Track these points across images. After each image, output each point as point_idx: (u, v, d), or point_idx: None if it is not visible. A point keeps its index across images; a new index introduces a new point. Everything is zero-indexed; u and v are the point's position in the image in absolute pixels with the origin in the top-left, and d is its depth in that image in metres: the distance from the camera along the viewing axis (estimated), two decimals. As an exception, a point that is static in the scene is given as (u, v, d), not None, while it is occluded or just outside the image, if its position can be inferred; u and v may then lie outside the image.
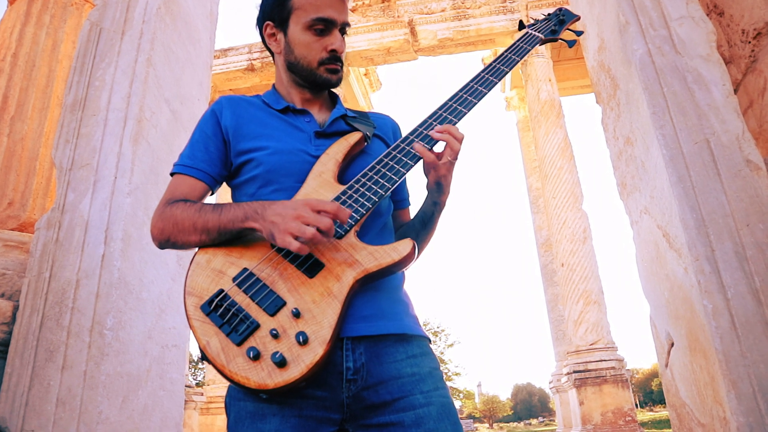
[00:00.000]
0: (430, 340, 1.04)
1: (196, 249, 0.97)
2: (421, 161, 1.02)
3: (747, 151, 1.62)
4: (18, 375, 1.94)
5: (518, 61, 1.16)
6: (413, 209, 1.22)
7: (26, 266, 2.22)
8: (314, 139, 1.08)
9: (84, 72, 2.42)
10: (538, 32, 1.25)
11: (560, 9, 1.32)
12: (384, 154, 1.02)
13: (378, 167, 0.99)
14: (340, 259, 0.90)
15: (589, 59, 2.43)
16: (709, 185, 1.61)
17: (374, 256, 0.90)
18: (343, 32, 1.11)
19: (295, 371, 0.79)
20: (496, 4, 9.93)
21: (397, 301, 1.01)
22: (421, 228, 1.13)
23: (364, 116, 1.18)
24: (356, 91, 11.63)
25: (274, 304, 0.85)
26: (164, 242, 1.01)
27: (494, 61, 1.16)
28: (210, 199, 1.18)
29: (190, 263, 0.93)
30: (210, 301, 0.86)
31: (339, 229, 0.92)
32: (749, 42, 1.78)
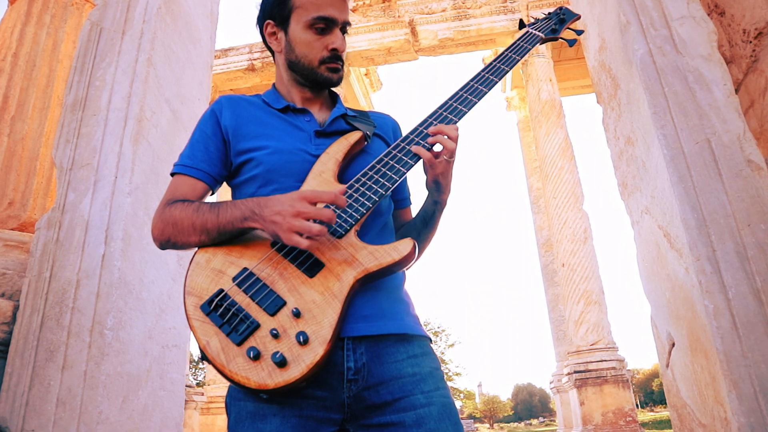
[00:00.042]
0: (430, 340, 1.04)
1: (196, 248, 0.97)
2: (421, 160, 1.02)
3: (748, 151, 1.62)
4: (18, 375, 1.94)
5: (519, 60, 1.16)
6: (414, 208, 1.22)
7: (27, 266, 2.21)
8: (314, 139, 1.08)
9: (84, 72, 2.42)
10: (539, 31, 1.25)
11: (560, 8, 1.32)
12: (384, 153, 1.02)
13: (378, 166, 0.99)
14: (340, 258, 0.89)
15: (590, 59, 2.42)
16: (710, 185, 1.60)
17: (374, 256, 0.89)
18: (343, 31, 1.11)
19: (295, 371, 0.79)
20: (496, 4, 9.93)
21: (398, 301, 1.00)
22: (423, 227, 1.13)
23: (364, 115, 1.18)
24: (357, 91, 11.63)
25: (274, 304, 0.85)
26: (165, 243, 1.01)
27: (495, 60, 1.16)
28: (211, 199, 1.18)
29: (190, 263, 0.93)
30: (210, 301, 0.86)
31: (339, 229, 0.92)
32: (750, 42, 1.78)
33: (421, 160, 1.01)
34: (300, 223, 0.84)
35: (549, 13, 1.30)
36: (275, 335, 0.82)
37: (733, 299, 1.48)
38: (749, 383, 1.41)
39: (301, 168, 1.03)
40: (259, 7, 1.16)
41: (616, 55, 2.06)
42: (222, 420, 8.99)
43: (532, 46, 1.21)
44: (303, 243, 0.84)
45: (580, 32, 1.31)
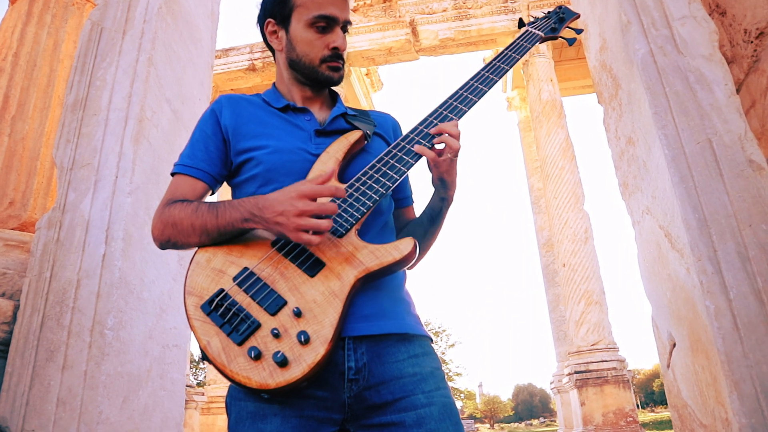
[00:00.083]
0: (431, 340, 1.04)
1: (197, 248, 0.97)
2: (424, 159, 1.02)
3: (749, 151, 1.61)
4: (18, 375, 1.94)
5: (518, 59, 1.16)
6: (419, 207, 1.22)
7: (27, 266, 2.21)
8: (314, 138, 1.08)
9: (85, 71, 2.42)
10: (538, 30, 1.25)
11: (560, 7, 1.32)
12: (385, 152, 1.02)
13: (379, 166, 0.99)
14: (341, 257, 0.89)
15: (591, 59, 2.42)
16: (712, 185, 1.60)
17: (375, 255, 0.89)
18: (344, 30, 1.11)
19: (296, 371, 0.79)
20: (497, 4, 9.93)
21: (399, 301, 1.00)
22: (429, 224, 1.13)
23: (364, 114, 1.17)
24: (358, 91, 11.63)
25: (275, 304, 0.85)
26: (165, 243, 1.01)
27: (495, 59, 1.16)
28: (212, 199, 1.18)
29: (190, 262, 0.93)
30: (210, 301, 0.86)
31: (340, 228, 0.92)
32: (752, 42, 1.78)
33: (423, 159, 1.01)
34: (306, 221, 0.84)
35: (548, 12, 1.30)
36: (276, 335, 0.81)
37: (735, 300, 1.48)
38: (750, 384, 1.40)
39: (301, 167, 1.03)
40: (259, 6, 1.16)
41: (617, 55, 2.06)
42: (222, 420, 8.99)
43: (532, 45, 1.21)
44: (314, 240, 0.84)
45: (579, 31, 1.31)
